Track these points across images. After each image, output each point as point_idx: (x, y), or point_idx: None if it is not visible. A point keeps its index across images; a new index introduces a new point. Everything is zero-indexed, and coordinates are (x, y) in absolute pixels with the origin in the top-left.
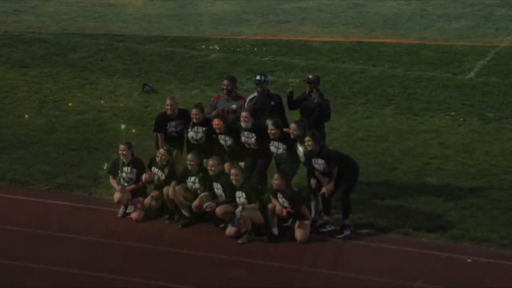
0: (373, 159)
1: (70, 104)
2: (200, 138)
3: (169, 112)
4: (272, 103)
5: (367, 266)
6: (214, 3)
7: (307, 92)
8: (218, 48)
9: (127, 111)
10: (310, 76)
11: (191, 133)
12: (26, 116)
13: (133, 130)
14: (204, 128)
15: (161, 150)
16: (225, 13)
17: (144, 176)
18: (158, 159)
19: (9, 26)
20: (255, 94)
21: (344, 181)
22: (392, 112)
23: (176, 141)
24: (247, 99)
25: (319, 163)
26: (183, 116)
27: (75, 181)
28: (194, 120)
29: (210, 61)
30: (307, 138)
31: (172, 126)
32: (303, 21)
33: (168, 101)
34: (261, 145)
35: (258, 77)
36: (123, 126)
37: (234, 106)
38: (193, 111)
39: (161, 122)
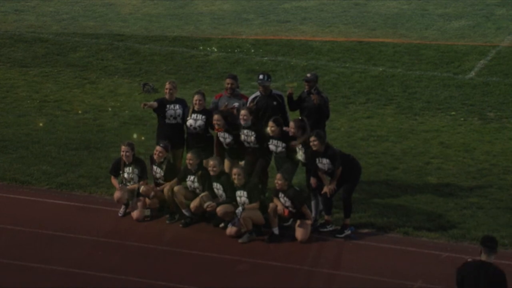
0: (373, 159)
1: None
2: (199, 126)
3: (167, 96)
4: (275, 103)
5: (367, 266)
6: (214, 2)
7: (305, 91)
8: (218, 47)
9: (128, 111)
10: (309, 75)
11: (190, 121)
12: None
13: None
14: (203, 117)
15: (158, 147)
16: (225, 13)
17: (141, 189)
18: (155, 156)
19: (9, 26)
20: (257, 93)
21: (347, 181)
22: (392, 112)
23: (177, 134)
24: (249, 99)
25: (323, 163)
26: (181, 102)
27: (76, 181)
28: (196, 107)
29: (211, 60)
30: (312, 138)
31: (170, 109)
32: (303, 21)
33: (167, 85)
34: (260, 144)
35: (261, 77)
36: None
37: (236, 104)
38: (195, 97)
39: (160, 105)
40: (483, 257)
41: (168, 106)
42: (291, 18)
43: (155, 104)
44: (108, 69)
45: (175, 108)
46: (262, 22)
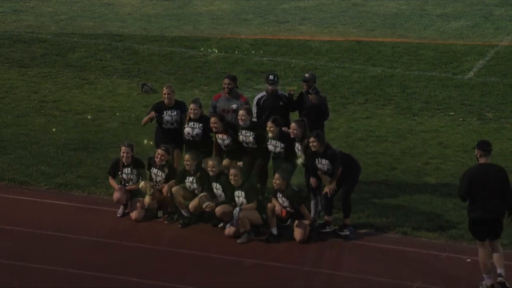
0: (372, 159)
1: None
2: (196, 135)
3: (166, 101)
4: (281, 103)
5: (366, 266)
6: (213, 2)
7: (303, 90)
8: (217, 48)
9: (126, 111)
10: (307, 75)
11: (187, 129)
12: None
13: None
14: (200, 125)
15: (160, 151)
16: (224, 13)
17: (140, 185)
18: (157, 159)
19: (8, 26)
20: (264, 93)
21: (347, 181)
22: (391, 112)
23: (174, 137)
24: (255, 98)
25: (323, 163)
26: (179, 107)
27: (74, 181)
28: (192, 116)
29: (209, 61)
30: (311, 139)
31: (167, 115)
32: (302, 21)
33: (165, 90)
34: (259, 144)
35: (271, 77)
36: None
37: (235, 106)
38: (191, 106)
39: (158, 110)
40: (483, 160)
41: (165, 112)
42: (290, 19)
43: (152, 114)
44: (106, 70)
45: (172, 114)
46: (261, 22)
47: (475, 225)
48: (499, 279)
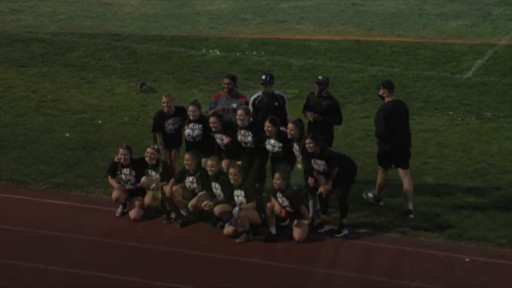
0: (371, 159)
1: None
2: (197, 136)
3: (165, 109)
4: (276, 104)
5: (365, 266)
6: (212, 2)
7: (315, 93)
8: (216, 47)
9: (125, 111)
10: (320, 77)
11: (187, 131)
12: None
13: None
14: (200, 126)
15: (149, 149)
16: (222, 12)
17: (142, 180)
18: (147, 158)
19: (7, 26)
20: (259, 93)
21: (343, 181)
22: None
23: (174, 140)
24: (251, 98)
25: (318, 164)
26: (180, 113)
27: (73, 181)
28: (191, 118)
29: (208, 60)
30: (307, 140)
31: (170, 124)
32: (301, 21)
33: (164, 99)
34: (257, 144)
35: (263, 77)
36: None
37: (234, 105)
38: (190, 108)
39: (159, 121)
40: (390, 98)
41: (166, 122)
42: (289, 18)
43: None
44: (105, 69)
45: (174, 122)
46: (259, 21)
47: (387, 156)
48: (410, 216)
